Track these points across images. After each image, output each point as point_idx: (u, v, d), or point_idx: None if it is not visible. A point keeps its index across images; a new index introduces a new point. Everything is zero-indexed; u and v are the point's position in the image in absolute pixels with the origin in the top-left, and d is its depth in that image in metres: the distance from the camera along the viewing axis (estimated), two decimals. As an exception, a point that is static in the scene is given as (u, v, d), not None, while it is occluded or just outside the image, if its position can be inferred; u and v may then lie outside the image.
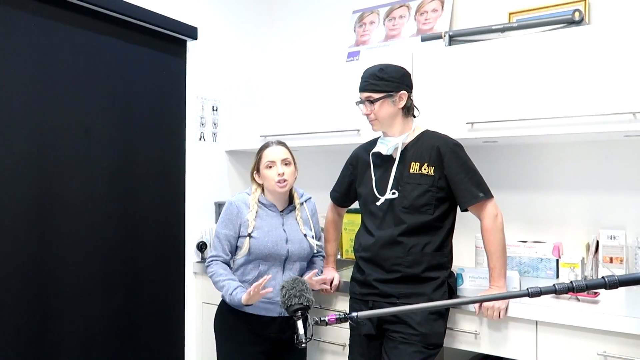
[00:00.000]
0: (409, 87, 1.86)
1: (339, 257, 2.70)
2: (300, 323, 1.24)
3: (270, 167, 1.93)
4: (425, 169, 1.81)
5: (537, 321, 1.78)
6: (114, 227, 2.30)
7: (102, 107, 2.27)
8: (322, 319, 1.16)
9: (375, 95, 1.82)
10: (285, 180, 1.93)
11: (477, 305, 1.84)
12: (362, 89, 1.86)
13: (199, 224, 2.76)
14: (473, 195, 1.79)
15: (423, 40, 2.49)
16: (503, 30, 2.29)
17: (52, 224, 2.07)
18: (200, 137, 2.78)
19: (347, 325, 2.14)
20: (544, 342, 1.77)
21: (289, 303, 1.29)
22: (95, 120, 2.23)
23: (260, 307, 1.90)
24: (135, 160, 2.41)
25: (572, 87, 1.94)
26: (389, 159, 1.89)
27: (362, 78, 1.87)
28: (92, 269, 2.21)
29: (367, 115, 1.86)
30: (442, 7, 2.61)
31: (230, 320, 1.97)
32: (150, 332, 2.47)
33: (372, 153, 1.93)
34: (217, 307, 2.05)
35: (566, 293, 0.97)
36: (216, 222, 2.82)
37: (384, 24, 2.79)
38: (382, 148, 1.88)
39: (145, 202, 2.46)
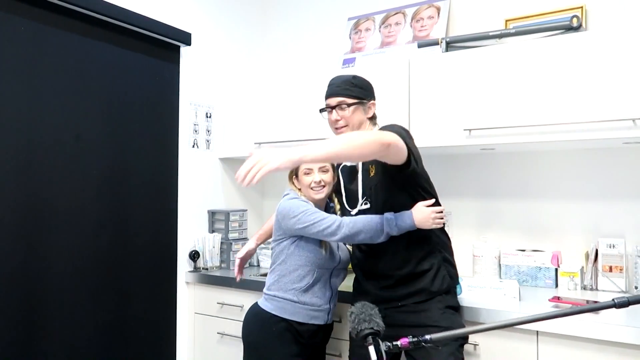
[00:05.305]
0: (375, 99, 1.85)
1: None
2: (372, 349, 1.16)
3: (308, 173, 1.88)
4: (373, 170, 1.77)
5: (537, 331, 1.75)
6: (104, 236, 2.25)
7: (93, 113, 2.22)
8: (394, 343, 1.11)
9: (350, 100, 1.77)
10: (324, 186, 1.87)
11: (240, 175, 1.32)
12: (335, 93, 1.78)
13: (191, 232, 2.71)
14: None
15: (420, 46, 2.47)
16: (500, 36, 2.28)
17: (40, 232, 2.02)
18: (194, 144, 2.74)
19: (345, 335, 2.11)
20: (545, 353, 1.74)
21: (359, 328, 1.22)
22: (86, 127, 2.19)
23: (310, 316, 1.87)
24: (127, 167, 2.36)
25: (570, 93, 1.93)
26: (355, 170, 1.85)
27: (332, 85, 1.81)
28: (81, 278, 2.15)
29: (337, 121, 1.79)
30: (438, 14, 2.60)
31: (275, 329, 1.87)
32: (142, 344, 2.41)
33: (340, 169, 1.91)
34: (248, 312, 1.93)
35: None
36: (210, 231, 2.79)
37: (379, 31, 2.77)
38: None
39: (137, 210, 2.41)
